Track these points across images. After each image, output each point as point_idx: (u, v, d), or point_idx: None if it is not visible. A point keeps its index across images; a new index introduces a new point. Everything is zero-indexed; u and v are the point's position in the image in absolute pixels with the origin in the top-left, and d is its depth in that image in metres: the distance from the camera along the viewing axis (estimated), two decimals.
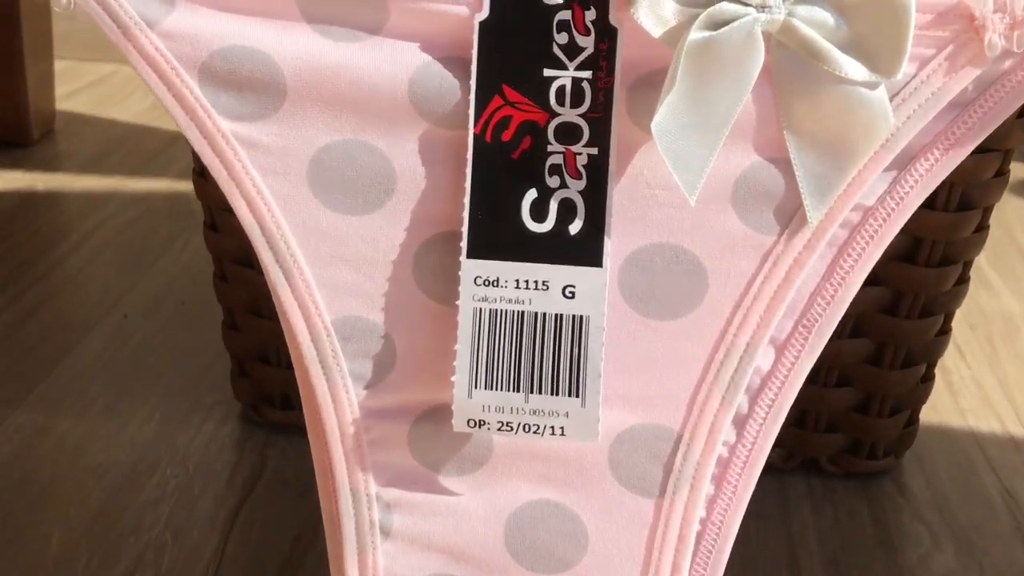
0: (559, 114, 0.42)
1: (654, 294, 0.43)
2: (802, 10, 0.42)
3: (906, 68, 0.41)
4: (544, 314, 0.43)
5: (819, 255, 0.46)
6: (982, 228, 0.72)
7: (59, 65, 1.40)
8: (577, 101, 0.42)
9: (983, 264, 1.18)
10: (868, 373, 0.75)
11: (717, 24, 0.42)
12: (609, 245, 0.42)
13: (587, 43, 0.43)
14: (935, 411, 0.88)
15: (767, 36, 0.43)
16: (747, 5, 0.42)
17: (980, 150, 0.64)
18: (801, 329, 0.46)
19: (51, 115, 1.35)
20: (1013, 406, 0.89)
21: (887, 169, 0.43)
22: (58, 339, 0.91)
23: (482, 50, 0.44)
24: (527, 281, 0.42)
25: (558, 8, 0.43)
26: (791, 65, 0.43)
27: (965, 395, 0.92)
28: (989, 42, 0.43)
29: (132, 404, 0.83)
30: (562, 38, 0.43)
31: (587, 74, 0.42)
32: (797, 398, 0.46)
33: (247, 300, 0.76)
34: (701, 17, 0.42)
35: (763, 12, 0.42)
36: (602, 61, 0.43)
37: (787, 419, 0.74)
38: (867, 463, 0.78)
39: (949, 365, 0.97)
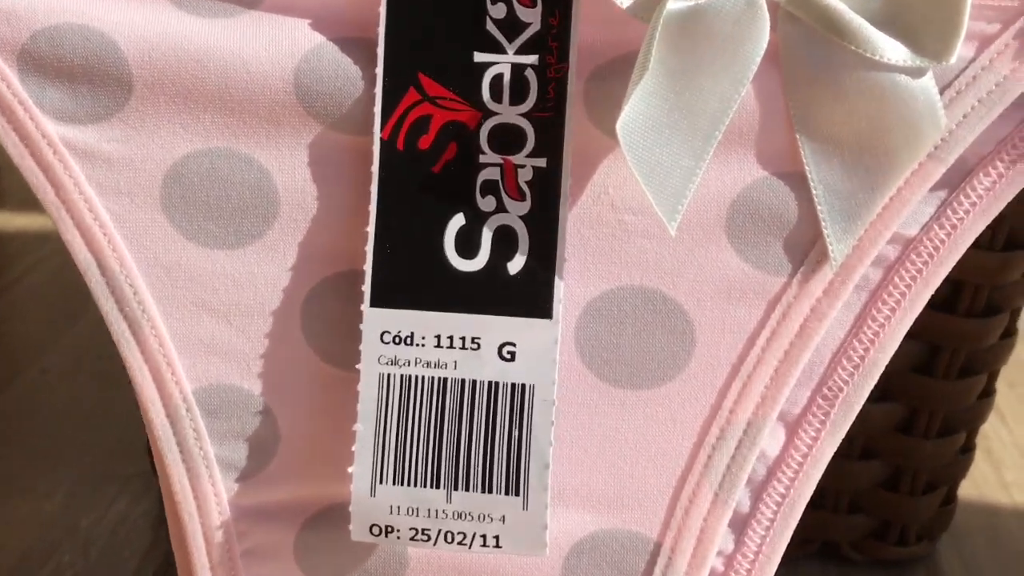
0: (495, 113, 0.33)
1: (623, 355, 0.35)
2: None
3: (962, 50, 0.30)
4: (474, 382, 0.32)
5: (845, 303, 0.34)
6: (1009, 334, 0.62)
7: None
8: (519, 96, 0.34)
9: (1022, 319, 1.06)
10: (898, 443, 0.64)
11: None
12: (562, 289, 0.34)
13: (532, 17, 0.33)
14: (974, 485, 0.77)
15: (773, 6, 0.32)
16: None
17: (989, 313, 0.57)
18: (821, 402, 0.35)
19: None
20: None
21: (935, 188, 0.32)
22: None
23: (391, 28, 0.33)
24: (451, 337, 0.32)
25: None
26: (806, 45, 0.32)
27: (1008, 465, 0.81)
28: None
29: (36, 474, 0.72)
30: (498, 11, 0.33)
31: (532, 59, 0.33)
32: None
33: None
34: None
35: None
36: (552, 42, 0.33)
37: None
38: (897, 549, 0.69)
39: (987, 430, 0.86)
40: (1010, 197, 0.35)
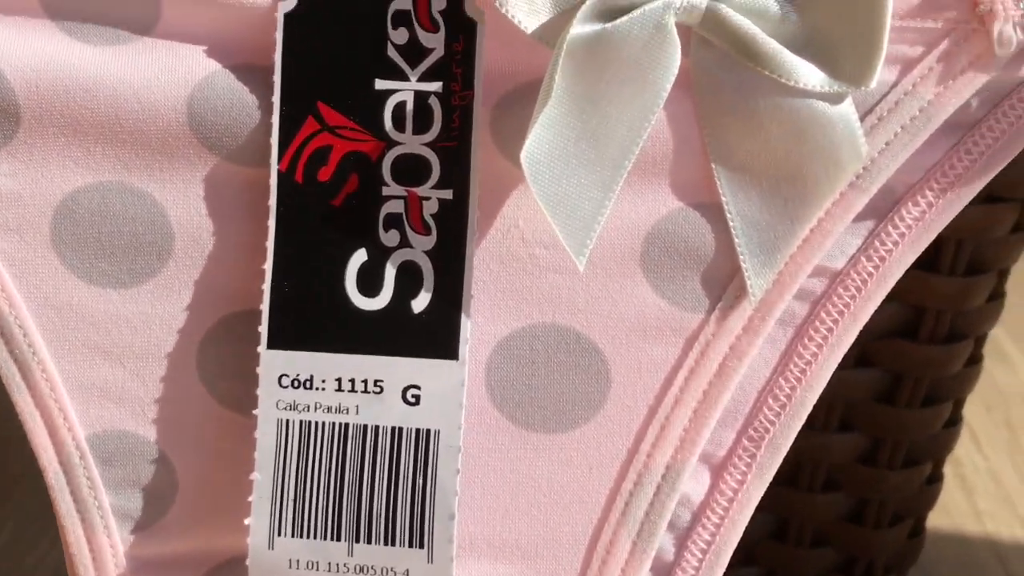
0: (398, 143, 0.32)
1: (536, 396, 0.33)
2: None
3: (883, 74, 0.28)
4: (376, 428, 0.31)
5: (768, 339, 0.33)
6: (998, 296, 0.59)
7: None
8: (423, 124, 0.32)
9: (1000, 334, 1.04)
10: (862, 474, 0.62)
11: (613, 13, 0.30)
12: (469, 328, 0.32)
13: (435, 43, 0.31)
14: (945, 513, 0.75)
15: (685, 31, 0.30)
16: None
17: (993, 199, 0.53)
18: (747, 443, 0.33)
19: None
20: None
21: (860, 218, 0.31)
22: None
23: (288, 54, 0.31)
24: (353, 381, 0.30)
25: None
26: (720, 71, 0.31)
27: (981, 493, 0.79)
28: (1000, 35, 0.30)
29: None
30: (400, 36, 0.31)
31: (436, 86, 0.31)
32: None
33: None
34: (590, 2, 0.29)
35: None
36: (456, 68, 0.31)
37: (764, 531, 0.60)
38: None
39: (961, 456, 0.84)
40: (941, 227, 0.33)
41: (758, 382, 0.33)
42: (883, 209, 0.33)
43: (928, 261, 0.54)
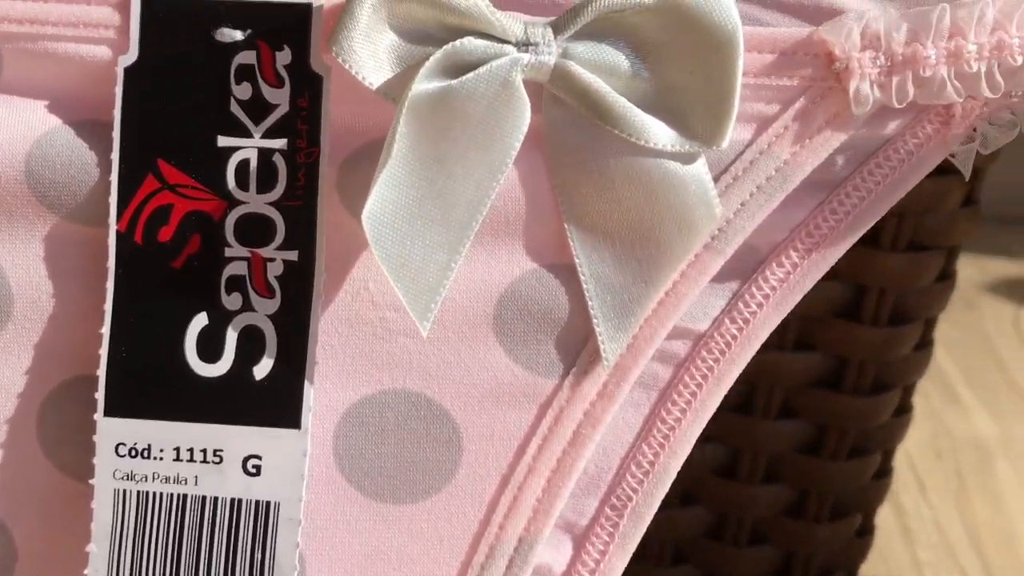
0: (242, 202, 0.30)
1: (385, 465, 0.32)
2: (583, 49, 0.29)
3: (738, 132, 0.27)
4: (215, 500, 0.29)
5: (632, 404, 0.31)
6: (924, 345, 0.58)
7: None
8: (267, 183, 0.31)
9: (954, 379, 1.03)
10: (788, 528, 0.60)
11: (459, 69, 0.29)
12: (313, 395, 0.30)
13: (279, 98, 0.30)
14: (884, 564, 0.73)
15: (535, 87, 0.29)
16: (503, 41, 0.29)
17: (919, 247, 0.52)
18: (609, 512, 0.32)
19: None
20: (982, 559, 0.74)
21: (725, 279, 0.30)
22: None
23: (128, 109, 0.30)
24: (192, 450, 0.30)
25: (237, 47, 0.30)
26: (571, 130, 0.30)
27: (924, 543, 0.77)
28: (856, 93, 0.29)
29: None
30: (244, 91, 0.30)
31: (280, 143, 0.30)
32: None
33: None
34: (434, 58, 0.28)
35: (526, 51, 0.29)
36: (301, 125, 0.30)
37: (699, 528, 0.59)
38: None
39: (907, 504, 0.82)
40: (807, 288, 0.32)
41: (621, 448, 0.32)
42: (748, 269, 0.32)
43: (854, 313, 0.53)
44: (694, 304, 0.32)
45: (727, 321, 0.32)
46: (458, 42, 0.29)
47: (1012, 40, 0.28)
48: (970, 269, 0.99)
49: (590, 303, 0.30)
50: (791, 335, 0.55)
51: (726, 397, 0.56)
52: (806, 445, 0.60)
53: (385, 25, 0.29)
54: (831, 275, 0.55)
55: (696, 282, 0.31)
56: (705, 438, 0.56)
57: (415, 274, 0.29)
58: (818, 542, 0.61)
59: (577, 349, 0.31)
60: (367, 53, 0.29)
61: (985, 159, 0.53)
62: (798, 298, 0.32)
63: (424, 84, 0.29)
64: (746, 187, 0.30)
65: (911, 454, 0.82)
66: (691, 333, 0.32)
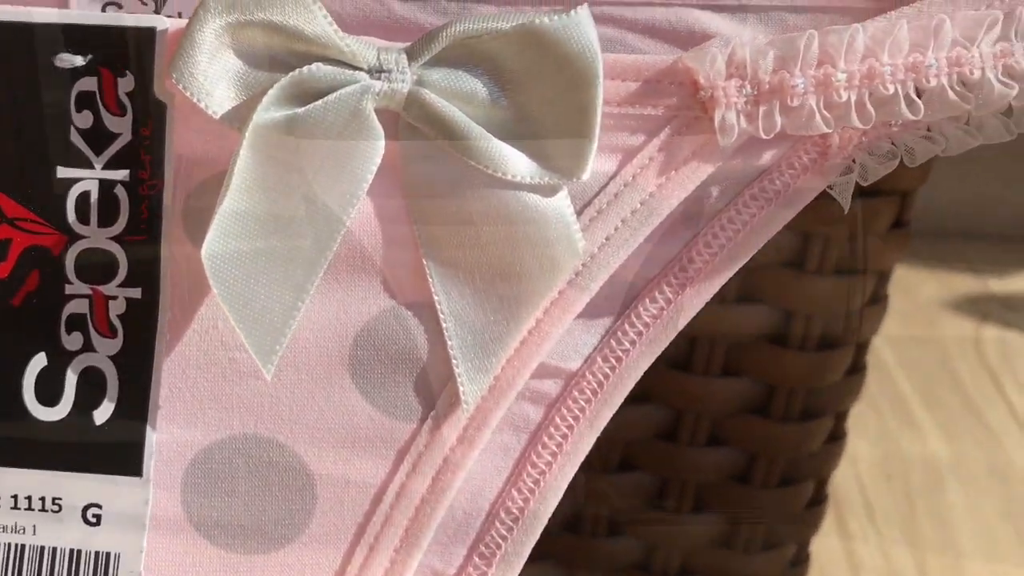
0: (83, 236, 0.29)
1: (236, 514, 0.30)
2: (439, 76, 0.27)
3: (601, 164, 0.25)
4: (54, 549, 0.27)
5: (500, 447, 0.30)
6: (856, 371, 0.57)
7: None
8: (109, 216, 0.29)
9: (910, 399, 1.02)
10: (718, 558, 0.60)
11: (307, 96, 0.27)
12: (157, 441, 0.29)
13: (122, 127, 0.29)
14: None
15: (393, 116, 0.28)
16: (354, 68, 0.27)
17: (846, 271, 0.50)
18: (477, 560, 0.31)
19: None
20: None
21: (597, 315, 0.28)
22: None
23: None
24: (29, 498, 0.28)
25: (78, 73, 0.28)
26: (428, 160, 0.28)
27: (869, 569, 0.76)
28: (722, 123, 0.27)
29: None
30: (84, 119, 0.28)
31: (122, 175, 0.29)
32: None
33: None
34: (279, 86, 0.27)
35: (379, 78, 0.27)
36: (144, 155, 0.29)
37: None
38: None
39: (854, 530, 0.81)
40: (682, 324, 0.31)
41: (491, 493, 0.31)
42: (621, 306, 0.30)
43: (779, 337, 0.51)
44: (565, 342, 0.30)
45: (599, 360, 0.30)
46: (305, 68, 0.27)
47: (884, 68, 0.27)
48: (933, 285, 0.98)
49: (449, 343, 0.29)
50: (718, 361, 0.54)
51: (654, 421, 0.54)
52: (735, 473, 0.59)
53: (229, 51, 0.28)
54: (758, 298, 0.54)
55: (560, 320, 0.29)
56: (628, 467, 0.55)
57: (259, 313, 0.28)
58: (749, 573, 0.60)
59: (437, 391, 0.29)
60: (209, 80, 0.27)
61: (915, 180, 0.52)
62: (672, 335, 0.30)
63: (269, 112, 0.27)
64: (611, 221, 0.29)
65: (861, 476, 0.81)
66: (562, 372, 0.30)
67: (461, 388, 0.29)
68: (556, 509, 0.31)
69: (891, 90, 0.27)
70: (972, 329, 1.08)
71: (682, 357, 0.51)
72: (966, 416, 0.93)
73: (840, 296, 0.53)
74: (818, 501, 0.61)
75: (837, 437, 0.60)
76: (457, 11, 0.29)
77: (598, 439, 0.31)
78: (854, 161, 0.29)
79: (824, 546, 0.65)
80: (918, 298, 0.99)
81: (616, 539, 0.57)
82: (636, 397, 0.53)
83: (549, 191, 0.28)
